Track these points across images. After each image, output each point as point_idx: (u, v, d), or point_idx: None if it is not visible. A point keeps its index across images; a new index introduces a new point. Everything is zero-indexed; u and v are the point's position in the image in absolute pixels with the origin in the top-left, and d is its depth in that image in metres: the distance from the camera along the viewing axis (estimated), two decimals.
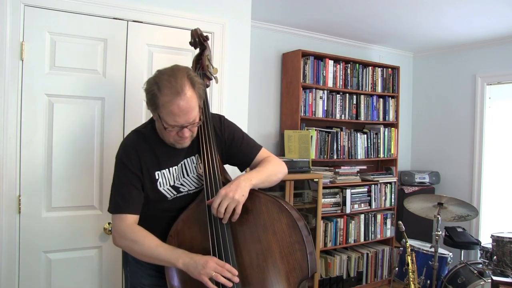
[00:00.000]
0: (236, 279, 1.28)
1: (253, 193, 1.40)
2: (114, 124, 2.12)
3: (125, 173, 1.39)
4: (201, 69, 1.68)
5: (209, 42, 1.74)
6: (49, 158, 2.00)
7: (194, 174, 1.49)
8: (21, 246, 1.94)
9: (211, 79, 1.73)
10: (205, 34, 1.73)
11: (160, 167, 1.43)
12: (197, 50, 1.77)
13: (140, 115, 2.17)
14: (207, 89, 1.68)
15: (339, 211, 3.70)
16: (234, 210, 1.34)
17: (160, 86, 1.28)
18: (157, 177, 1.42)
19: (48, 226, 2.00)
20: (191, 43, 1.73)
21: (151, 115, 1.45)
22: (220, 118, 1.58)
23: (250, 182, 1.39)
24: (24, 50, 1.92)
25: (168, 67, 1.36)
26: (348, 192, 3.70)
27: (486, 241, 3.07)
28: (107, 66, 2.11)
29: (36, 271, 1.97)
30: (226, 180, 1.50)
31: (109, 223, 2.07)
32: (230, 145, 1.55)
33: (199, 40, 1.71)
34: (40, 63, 1.96)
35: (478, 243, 3.28)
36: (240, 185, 1.36)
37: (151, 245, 1.33)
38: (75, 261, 2.07)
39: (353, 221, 3.78)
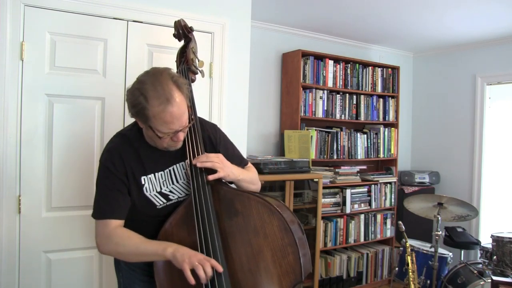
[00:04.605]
0: (210, 273, 1.21)
1: (243, 194, 1.38)
2: (114, 124, 2.11)
3: (109, 177, 1.34)
4: (186, 63, 1.60)
5: (194, 33, 1.65)
6: (49, 158, 2.00)
7: (184, 180, 1.45)
8: (21, 246, 1.94)
9: (196, 74, 1.65)
10: (189, 25, 1.64)
11: (146, 172, 1.39)
12: (182, 43, 1.68)
13: None
14: (193, 84, 1.62)
15: (339, 211, 3.70)
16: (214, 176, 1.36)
17: (148, 97, 1.21)
18: (143, 182, 1.38)
19: (48, 226, 2.00)
20: (174, 35, 1.66)
21: None
22: (214, 127, 1.59)
23: (240, 174, 1.45)
24: (24, 50, 1.92)
25: (148, 72, 1.29)
26: (348, 192, 3.70)
27: (486, 241, 3.07)
28: (107, 66, 2.11)
29: (36, 271, 1.98)
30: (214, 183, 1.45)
31: None
32: (215, 145, 1.54)
33: (183, 31, 1.62)
34: (40, 63, 1.96)
35: (478, 243, 3.28)
36: (233, 167, 1.43)
37: (136, 243, 1.30)
38: (75, 261, 2.07)
39: (353, 221, 3.78)
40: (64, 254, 2.04)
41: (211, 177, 1.35)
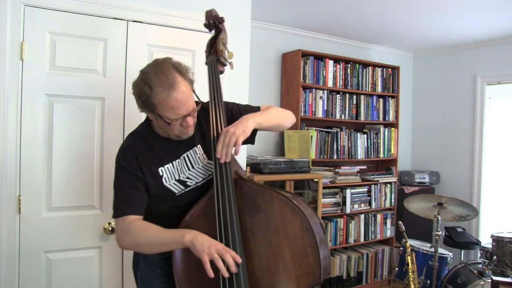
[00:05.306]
0: (234, 269, 1.21)
1: (266, 191, 1.36)
2: (114, 124, 2.11)
3: (124, 175, 1.37)
4: (215, 54, 1.57)
5: (225, 24, 1.63)
6: (49, 158, 2.00)
7: (199, 165, 1.46)
8: (21, 246, 1.94)
9: (225, 65, 1.62)
10: (220, 15, 1.62)
11: (162, 163, 1.41)
12: (212, 33, 1.66)
13: (140, 115, 2.16)
14: (221, 76, 1.58)
15: (339, 211, 3.70)
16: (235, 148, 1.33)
17: (152, 86, 1.26)
18: (161, 174, 1.40)
19: (48, 226, 2.00)
20: (205, 25, 1.65)
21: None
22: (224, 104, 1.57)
23: (253, 119, 1.40)
24: (24, 50, 1.92)
25: (150, 64, 1.35)
26: (348, 192, 3.70)
27: (486, 241, 3.07)
28: (107, 66, 2.11)
29: (36, 271, 1.97)
30: (237, 175, 1.43)
31: (109, 223, 2.07)
32: (230, 118, 1.51)
33: (213, 22, 1.61)
34: (40, 63, 1.96)
35: (478, 243, 3.28)
36: (241, 122, 1.37)
37: (154, 232, 1.31)
38: (75, 261, 2.07)
39: (353, 221, 3.78)
40: (64, 254, 2.04)
41: (238, 149, 1.33)
